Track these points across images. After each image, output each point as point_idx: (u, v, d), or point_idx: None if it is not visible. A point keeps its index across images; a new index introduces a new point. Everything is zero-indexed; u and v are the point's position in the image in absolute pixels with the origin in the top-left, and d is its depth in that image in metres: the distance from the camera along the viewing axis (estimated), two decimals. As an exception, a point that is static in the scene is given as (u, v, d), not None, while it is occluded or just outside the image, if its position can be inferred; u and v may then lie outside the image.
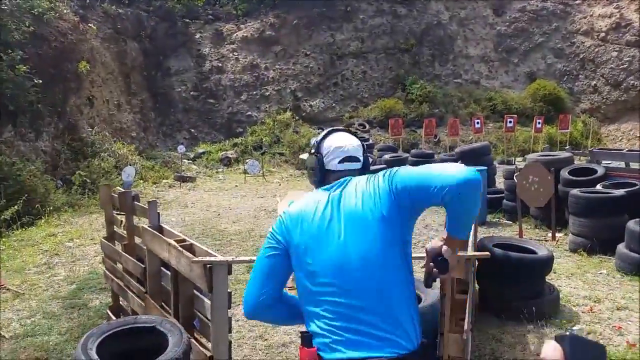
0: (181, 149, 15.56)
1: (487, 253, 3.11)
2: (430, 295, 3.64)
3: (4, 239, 7.47)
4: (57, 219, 9.00)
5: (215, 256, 2.78)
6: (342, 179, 1.85)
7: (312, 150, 1.99)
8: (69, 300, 5.09)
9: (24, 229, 8.17)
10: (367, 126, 19.34)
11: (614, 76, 20.58)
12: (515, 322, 4.42)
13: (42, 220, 8.76)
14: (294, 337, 4.14)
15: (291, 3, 21.88)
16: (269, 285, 1.83)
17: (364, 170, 1.95)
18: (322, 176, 1.92)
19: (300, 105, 20.35)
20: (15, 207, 8.16)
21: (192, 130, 19.11)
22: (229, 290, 2.74)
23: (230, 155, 17.00)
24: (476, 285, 4.82)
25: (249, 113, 19.85)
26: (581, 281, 5.57)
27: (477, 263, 4.65)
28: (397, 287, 1.66)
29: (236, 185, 13.45)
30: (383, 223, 1.65)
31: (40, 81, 11.02)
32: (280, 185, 13.36)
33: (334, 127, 2.07)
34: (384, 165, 11.71)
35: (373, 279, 1.63)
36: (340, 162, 1.90)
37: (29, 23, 11.48)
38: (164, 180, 13.61)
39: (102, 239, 4.53)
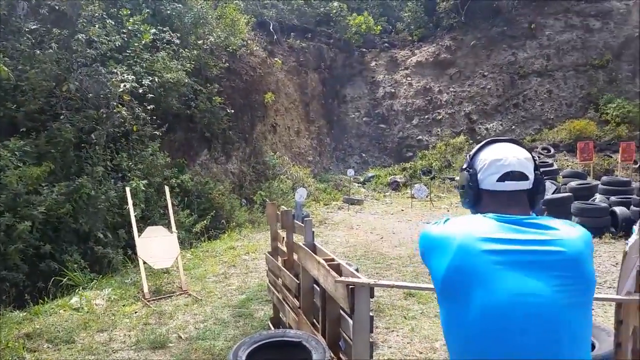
0: (350, 172, 16.07)
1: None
2: (606, 344, 3.08)
3: (192, 249, 8.50)
4: (238, 234, 9.95)
5: (358, 277, 2.74)
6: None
7: (464, 165, 1.61)
8: (238, 309, 5.52)
9: (210, 241, 9.21)
10: (552, 150, 17.64)
11: None
12: None
13: (226, 234, 9.77)
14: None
15: (469, 24, 21.36)
16: None
17: (535, 192, 1.53)
18: (474, 197, 1.55)
19: (475, 128, 19.53)
20: (205, 221, 9.27)
21: (363, 155, 19.64)
22: (371, 314, 2.66)
23: (399, 180, 17.01)
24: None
25: (420, 137, 19.71)
26: None
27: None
28: None
29: (402, 210, 13.36)
30: None
31: (232, 111, 12.45)
32: (448, 211, 12.88)
33: (495, 137, 1.65)
34: (570, 194, 10.48)
35: None
36: (500, 179, 1.49)
37: (225, 59, 13.09)
38: (333, 202, 14.17)
39: (267, 254, 4.82)
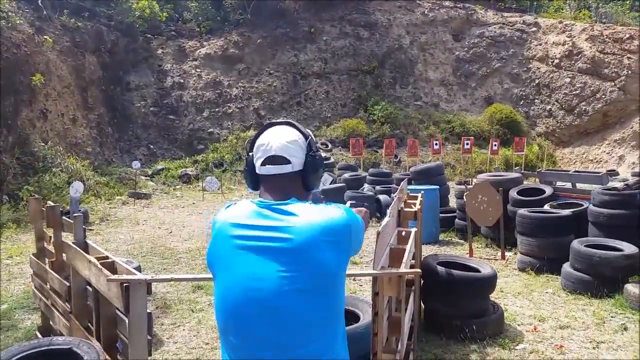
0: (136, 164, 15.16)
1: (418, 270, 3.07)
2: (369, 315, 3.56)
3: None
4: (-3, 236, 8.59)
5: (134, 274, 2.64)
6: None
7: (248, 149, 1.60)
8: (-4, 321, 4.79)
9: (-42, 247, 7.74)
10: (330, 145, 19.41)
11: (567, 101, 21.36)
12: (458, 342, 4.39)
13: (-20, 238, 8.35)
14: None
15: (255, 22, 22.02)
16: None
17: (306, 173, 1.52)
18: (253, 180, 1.57)
19: (264, 123, 20.15)
20: (-50, 223, 7.76)
21: (151, 147, 18.72)
22: (149, 311, 2.59)
23: (190, 172, 16.70)
24: (422, 304, 4.79)
25: (211, 130, 19.64)
26: (527, 300, 5.60)
27: (422, 281, 4.62)
28: None
29: (193, 203, 13.19)
30: None
31: (-12, 93, 10.62)
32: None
33: (274, 121, 1.62)
34: (344, 184, 11.68)
35: None
36: (263, 163, 1.50)
37: (-23, 32, 11.10)
38: (117, 197, 13.22)
39: (31, 256, 4.30)
